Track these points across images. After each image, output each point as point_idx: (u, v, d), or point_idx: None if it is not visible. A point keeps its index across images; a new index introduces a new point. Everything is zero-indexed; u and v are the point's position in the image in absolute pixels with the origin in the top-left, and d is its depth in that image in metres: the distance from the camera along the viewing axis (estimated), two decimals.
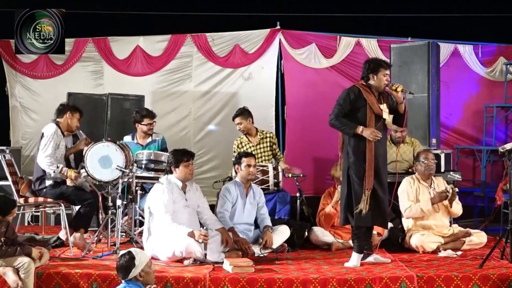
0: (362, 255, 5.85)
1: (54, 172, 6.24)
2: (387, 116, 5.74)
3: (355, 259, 5.80)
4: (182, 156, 6.08)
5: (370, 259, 5.92)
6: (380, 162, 5.74)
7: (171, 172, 6.12)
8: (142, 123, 7.53)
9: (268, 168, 7.22)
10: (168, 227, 5.84)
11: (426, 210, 6.54)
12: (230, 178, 7.20)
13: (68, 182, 6.35)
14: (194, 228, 5.97)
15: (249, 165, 6.49)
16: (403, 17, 9.85)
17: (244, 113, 7.72)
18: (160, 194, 5.95)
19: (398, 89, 5.72)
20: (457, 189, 6.65)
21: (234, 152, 7.58)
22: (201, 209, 6.20)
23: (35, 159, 6.46)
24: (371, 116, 5.67)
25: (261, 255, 6.18)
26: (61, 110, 6.56)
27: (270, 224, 6.53)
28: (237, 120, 7.71)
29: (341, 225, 6.28)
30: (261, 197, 6.67)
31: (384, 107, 5.73)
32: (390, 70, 6.33)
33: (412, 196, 6.65)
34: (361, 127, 5.62)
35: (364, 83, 5.81)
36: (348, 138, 5.75)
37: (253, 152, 7.62)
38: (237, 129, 7.82)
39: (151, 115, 7.57)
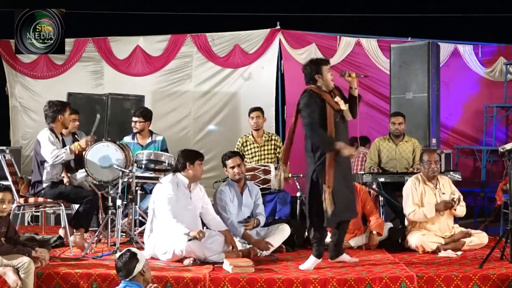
0: (319, 260, 5.72)
1: (65, 154, 6.16)
2: (344, 107, 5.68)
3: (311, 262, 5.68)
4: (197, 155, 6.17)
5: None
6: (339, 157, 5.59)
7: (181, 170, 6.10)
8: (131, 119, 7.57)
9: (270, 168, 7.21)
10: (169, 221, 5.84)
11: (429, 217, 6.47)
12: None
13: (65, 180, 6.37)
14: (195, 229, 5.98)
15: (232, 167, 6.48)
16: (403, 17, 9.86)
17: (262, 110, 7.79)
18: (164, 189, 5.95)
19: (352, 75, 5.68)
20: (462, 202, 6.57)
21: (237, 149, 7.55)
22: (204, 210, 6.18)
23: (33, 162, 6.35)
24: (330, 112, 5.59)
25: (261, 255, 6.18)
26: (49, 116, 6.37)
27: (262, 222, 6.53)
28: (255, 113, 7.69)
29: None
30: (258, 194, 6.65)
31: (338, 99, 5.66)
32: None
33: (416, 198, 6.52)
34: (339, 143, 5.51)
35: (313, 86, 5.69)
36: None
37: (257, 153, 7.62)
38: (250, 122, 7.72)
39: (136, 112, 7.51)
